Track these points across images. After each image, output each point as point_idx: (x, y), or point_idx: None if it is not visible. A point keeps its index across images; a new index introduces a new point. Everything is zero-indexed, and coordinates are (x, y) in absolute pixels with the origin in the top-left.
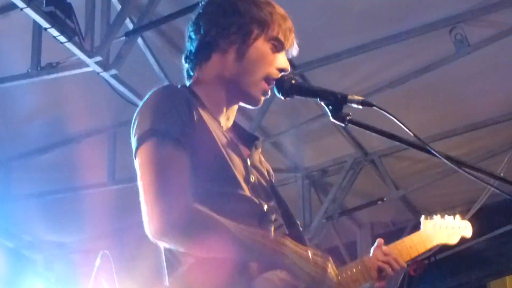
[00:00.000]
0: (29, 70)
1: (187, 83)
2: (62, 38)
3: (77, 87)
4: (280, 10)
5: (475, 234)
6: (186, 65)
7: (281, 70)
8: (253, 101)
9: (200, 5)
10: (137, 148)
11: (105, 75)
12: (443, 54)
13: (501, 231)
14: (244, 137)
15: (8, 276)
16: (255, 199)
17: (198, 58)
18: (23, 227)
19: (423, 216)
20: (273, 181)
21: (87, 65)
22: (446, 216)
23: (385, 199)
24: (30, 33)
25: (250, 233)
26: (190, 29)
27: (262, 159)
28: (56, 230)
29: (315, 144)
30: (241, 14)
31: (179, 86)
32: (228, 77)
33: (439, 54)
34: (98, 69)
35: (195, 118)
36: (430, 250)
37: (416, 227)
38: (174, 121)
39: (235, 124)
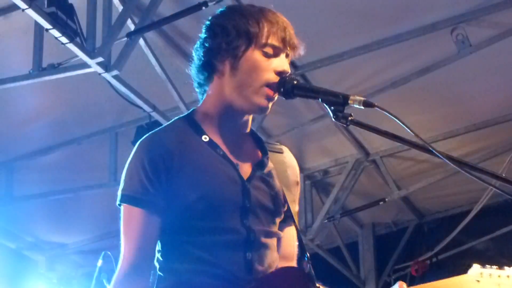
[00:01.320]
0: (31, 71)
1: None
2: (63, 39)
3: (78, 88)
4: (269, 15)
5: (477, 234)
6: (197, 90)
7: (279, 73)
8: (258, 109)
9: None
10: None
11: (107, 76)
12: (445, 54)
13: (503, 231)
14: (260, 142)
15: (10, 277)
16: (241, 228)
17: (201, 82)
18: (25, 228)
19: (475, 264)
20: (292, 188)
21: (89, 66)
22: (506, 267)
23: (386, 199)
24: (31, 34)
25: None
26: (193, 57)
27: (285, 162)
28: (58, 231)
29: (317, 145)
30: (228, 32)
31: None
32: (230, 94)
33: (441, 55)
34: (99, 70)
35: (172, 161)
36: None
37: (418, 227)
38: (138, 183)
39: (252, 133)
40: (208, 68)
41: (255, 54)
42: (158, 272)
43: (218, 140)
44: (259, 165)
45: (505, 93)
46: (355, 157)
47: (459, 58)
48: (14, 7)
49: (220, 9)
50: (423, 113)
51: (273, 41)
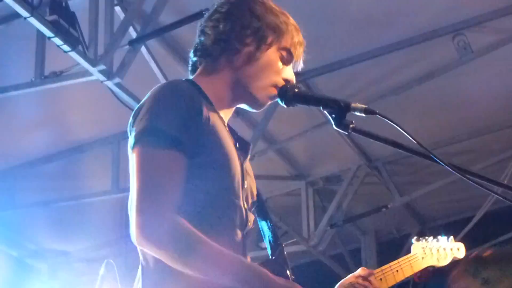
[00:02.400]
0: (33, 79)
1: (190, 76)
2: (65, 47)
3: (80, 96)
4: (294, 22)
5: (480, 241)
6: (194, 58)
7: (286, 80)
8: (257, 105)
9: (217, 3)
10: (134, 144)
11: (109, 83)
12: (446, 61)
13: (505, 238)
14: (237, 138)
15: (12, 285)
16: (244, 208)
17: (209, 53)
18: (27, 236)
19: (414, 238)
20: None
21: (91, 74)
22: (439, 237)
23: (389, 206)
24: (33, 42)
25: (230, 258)
26: (204, 24)
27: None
28: (60, 239)
29: (319, 152)
30: (259, 18)
31: (183, 80)
32: (236, 78)
33: (442, 61)
34: (101, 77)
35: (203, 117)
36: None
37: (420, 234)
38: (175, 118)
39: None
40: (228, 44)
41: (275, 55)
42: None
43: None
44: (245, 151)
45: (507, 99)
46: (357, 163)
47: (460, 65)
48: (16, 15)
49: None
50: (425, 120)
51: (292, 47)
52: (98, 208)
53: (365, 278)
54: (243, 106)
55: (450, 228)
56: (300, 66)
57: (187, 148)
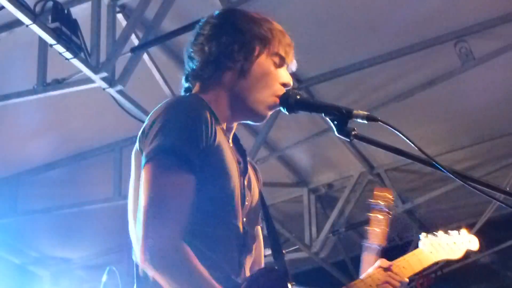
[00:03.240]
0: (35, 86)
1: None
2: (67, 54)
3: (83, 103)
4: (278, 26)
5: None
6: (186, 84)
7: (284, 85)
8: (258, 117)
9: (198, 25)
10: (146, 162)
11: (111, 91)
12: (449, 67)
13: (507, 245)
14: (240, 149)
15: None
16: (242, 228)
17: (202, 77)
18: (30, 243)
19: (423, 234)
20: (261, 188)
21: (93, 81)
22: (450, 231)
23: (391, 213)
24: (36, 50)
25: None
26: (190, 49)
27: (254, 166)
28: (62, 246)
29: (321, 159)
30: (242, 32)
31: (191, 95)
32: (233, 95)
33: (445, 68)
34: (104, 85)
35: (213, 137)
36: (430, 267)
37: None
38: (187, 138)
39: (234, 135)
40: (218, 64)
41: (267, 61)
42: None
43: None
44: (245, 167)
45: (509, 106)
46: (359, 170)
47: (462, 71)
48: (19, 22)
49: (225, 9)
50: (427, 127)
51: (281, 51)
52: (100, 215)
53: (387, 269)
54: (247, 121)
55: None
56: (294, 66)
57: (197, 167)
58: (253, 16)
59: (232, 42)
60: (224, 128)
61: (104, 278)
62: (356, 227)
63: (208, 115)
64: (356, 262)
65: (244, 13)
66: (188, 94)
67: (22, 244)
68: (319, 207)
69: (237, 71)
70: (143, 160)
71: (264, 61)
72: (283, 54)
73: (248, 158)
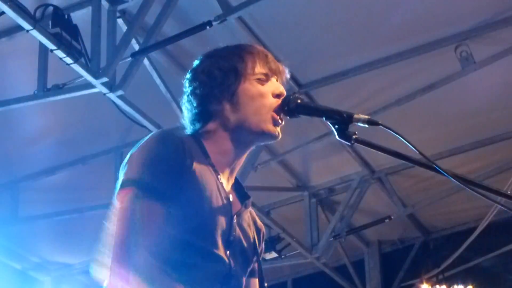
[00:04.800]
0: (36, 92)
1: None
2: (68, 60)
3: (83, 108)
4: (248, 48)
5: (483, 251)
6: (190, 126)
7: (277, 96)
8: (269, 136)
9: (184, 84)
10: (117, 190)
11: (112, 96)
12: (449, 71)
13: (509, 248)
14: (241, 193)
15: None
16: (225, 259)
17: (199, 122)
18: (31, 248)
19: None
20: (259, 244)
21: (94, 86)
22: (455, 286)
23: (392, 217)
24: (36, 55)
25: None
26: (183, 101)
27: (255, 220)
28: (63, 251)
29: (322, 163)
30: (215, 75)
31: (180, 132)
32: (234, 127)
33: (445, 72)
34: (104, 90)
35: (186, 168)
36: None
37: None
38: (158, 171)
39: (236, 179)
40: (206, 114)
41: (249, 84)
42: None
43: (218, 169)
44: (241, 209)
45: (510, 110)
46: (360, 174)
47: (463, 75)
48: (19, 28)
49: (197, 60)
50: (427, 130)
51: (260, 69)
52: (101, 220)
53: None
54: (260, 142)
55: (453, 239)
56: (286, 71)
57: (166, 197)
58: (220, 53)
59: (211, 88)
60: (219, 164)
61: (106, 283)
62: (357, 231)
63: (185, 150)
64: (357, 266)
65: (213, 54)
66: (176, 129)
67: (23, 249)
68: (320, 211)
69: (228, 106)
70: (116, 190)
71: (246, 86)
72: (263, 71)
73: (253, 215)
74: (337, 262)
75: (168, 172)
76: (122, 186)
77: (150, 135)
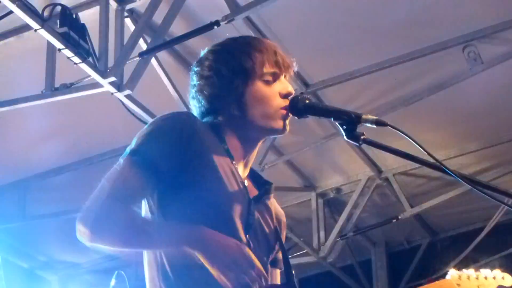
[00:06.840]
0: (43, 91)
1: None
2: (76, 59)
3: (91, 108)
4: (257, 44)
5: (490, 252)
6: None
7: (285, 96)
8: (277, 131)
9: (191, 75)
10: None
11: (119, 95)
12: (457, 72)
13: None
14: (258, 181)
15: None
16: (244, 240)
17: (207, 117)
18: (38, 248)
19: (452, 269)
20: (281, 231)
21: (101, 86)
22: (481, 269)
23: (399, 217)
24: (44, 54)
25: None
26: (191, 94)
27: (276, 208)
28: (70, 250)
29: (329, 163)
30: (223, 75)
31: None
32: (241, 125)
33: (453, 72)
34: (112, 89)
35: (195, 146)
36: None
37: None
38: (157, 143)
39: (251, 170)
40: (214, 112)
41: (257, 86)
42: None
43: (234, 154)
44: (261, 195)
45: None
46: (367, 174)
47: (471, 76)
48: (27, 27)
49: (204, 52)
50: (435, 131)
51: (268, 68)
52: None
53: None
54: (267, 136)
55: (460, 239)
56: (294, 69)
57: (165, 176)
58: (229, 49)
59: (219, 88)
60: (237, 156)
61: (113, 282)
62: (364, 231)
63: (193, 131)
64: (364, 266)
65: (221, 50)
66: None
67: (30, 248)
68: (327, 211)
69: (236, 107)
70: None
71: (253, 88)
72: (271, 69)
73: (274, 203)
74: (344, 262)
75: (169, 146)
76: (123, 156)
77: (163, 114)
